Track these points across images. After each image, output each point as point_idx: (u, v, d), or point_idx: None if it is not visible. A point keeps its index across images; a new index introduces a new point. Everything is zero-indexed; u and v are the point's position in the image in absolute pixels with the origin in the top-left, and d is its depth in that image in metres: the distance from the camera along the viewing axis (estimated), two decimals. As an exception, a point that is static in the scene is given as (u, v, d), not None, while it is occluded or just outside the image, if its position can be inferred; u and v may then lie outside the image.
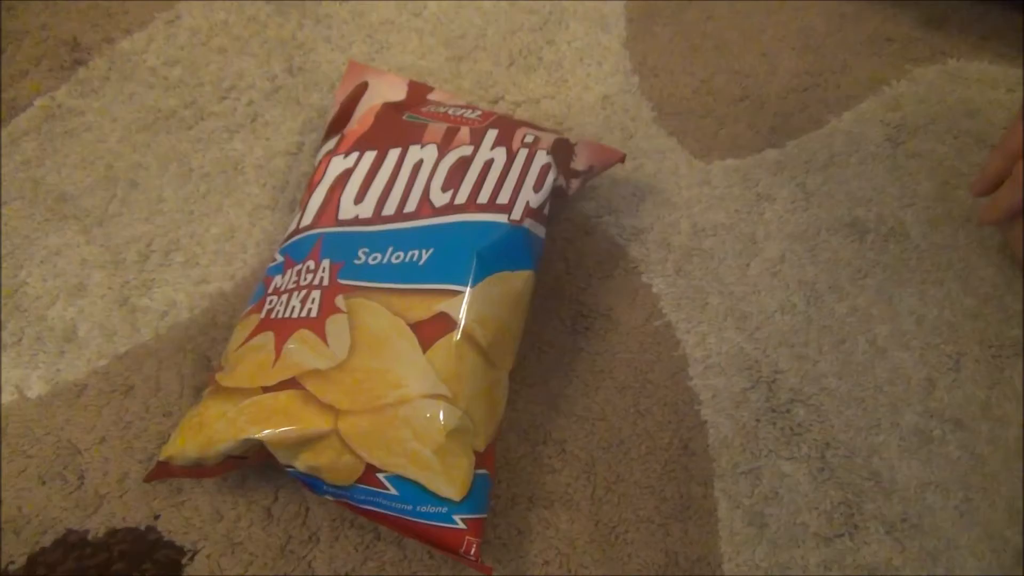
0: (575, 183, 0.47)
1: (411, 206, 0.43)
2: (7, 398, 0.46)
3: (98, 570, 0.41)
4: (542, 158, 0.45)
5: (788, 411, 0.46)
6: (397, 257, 0.41)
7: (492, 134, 0.46)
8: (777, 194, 0.54)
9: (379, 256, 0.42)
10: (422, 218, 0.43)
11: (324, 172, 0.46)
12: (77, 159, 0.54)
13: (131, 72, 0.58)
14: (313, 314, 0.40)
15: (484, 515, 0.38)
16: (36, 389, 0.46)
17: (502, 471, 0.44)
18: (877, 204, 0.53)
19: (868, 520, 0.43)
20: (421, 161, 0.45)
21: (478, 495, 0.38)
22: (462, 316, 0.39)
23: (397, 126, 0.47)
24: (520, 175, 0.44)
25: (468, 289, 0.40)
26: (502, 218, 0.42)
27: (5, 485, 0.43)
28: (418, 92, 0.51)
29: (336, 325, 0.40)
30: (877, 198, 0.53)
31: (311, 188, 0.46)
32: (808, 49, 0.60)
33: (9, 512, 0.42)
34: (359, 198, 0.44)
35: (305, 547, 0.42)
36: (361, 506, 0.39)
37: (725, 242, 0.52)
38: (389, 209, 0.43)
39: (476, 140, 0.45)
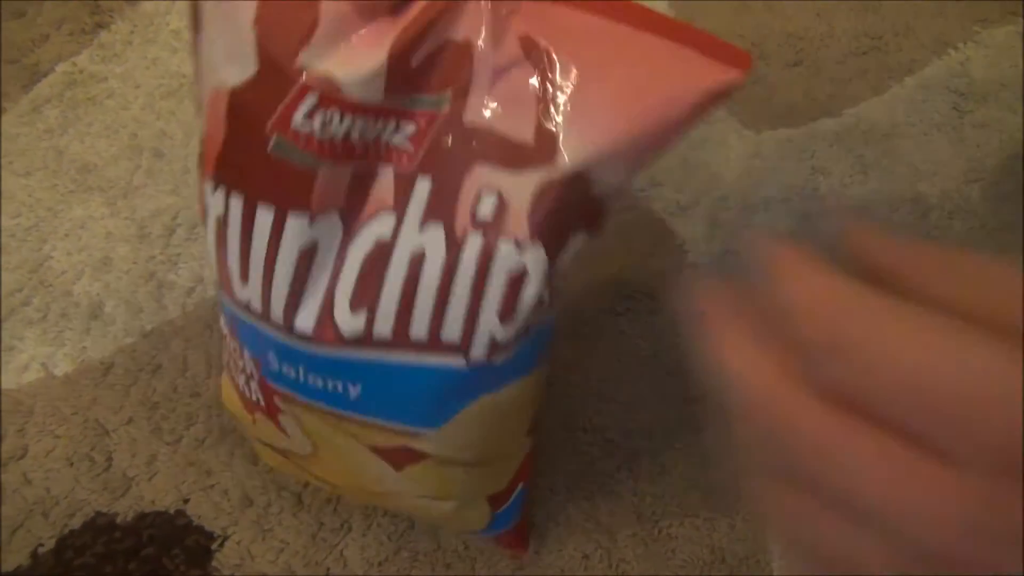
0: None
1: (305, 320, 0.27)
2: (33, 375, 0.45)
3: (127, 555, 0.40)
4: (509, 259, 0.25)
5: (843, 401, 0.44)
6: (315, 381, 0.28)
7: (423, 190, 0.26)
8: (833, 167, 0.51)
9: (293, 372, 0.28)
10: (328, 344, 0.27)
11: (204, 207, 0.28)
12: (100, 127, 0.52)
13: (154, 35, 0.56)
14: (261, 403, 0.31)
15: (520, 520, 0.37)
16: (62, 367, 0.45)
17: (539, 459, 0.42)
18: (941, 178, 0.50)
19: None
20: (314, 243, 0.26)
21: (510, 510, 0.36)
22: (434, 451, 0.30)
23: (258, 158, 0.25)
24: (473, 291, 0.25)
25: (434, 432, 0.29)
26: (455, 360, 0.27)
27: (33, 466, 0.42)
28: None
29: (290, 424, 0.31)
30: (941, 172, 0.50)
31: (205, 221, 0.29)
32: (868, 9, 0.57)
33: (38, 493, 0.42)
34: (243, 274, 0.27)
35: (337, 535, 0.41)
36: None
37: (777, 219, 0.49)
38: (277, 312, 0.27)
39: (400, 205, 0.26)
